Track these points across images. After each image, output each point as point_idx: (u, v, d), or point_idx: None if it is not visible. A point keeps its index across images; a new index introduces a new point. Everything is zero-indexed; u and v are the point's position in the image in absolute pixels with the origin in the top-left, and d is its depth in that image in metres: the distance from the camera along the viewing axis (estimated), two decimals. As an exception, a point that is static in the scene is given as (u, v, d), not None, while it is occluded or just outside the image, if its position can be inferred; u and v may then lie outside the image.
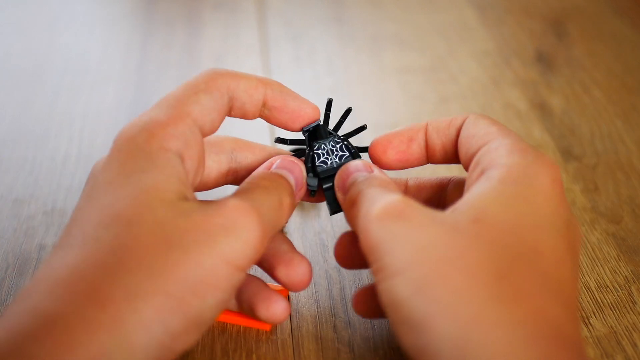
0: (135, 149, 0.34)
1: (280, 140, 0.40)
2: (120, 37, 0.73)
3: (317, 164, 0.39)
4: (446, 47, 0.69)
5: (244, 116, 0.39)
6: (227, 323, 0.40)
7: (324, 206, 0.49)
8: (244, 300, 0.39)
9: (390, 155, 0.39)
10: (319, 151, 0.39)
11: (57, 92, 0.63)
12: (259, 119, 0.39)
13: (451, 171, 0.51)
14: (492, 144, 0.35)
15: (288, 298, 0.42)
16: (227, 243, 0.32)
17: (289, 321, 0.41)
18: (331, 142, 0.40)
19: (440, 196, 0.40)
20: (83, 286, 0.30)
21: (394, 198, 0.33)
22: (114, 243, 0.31)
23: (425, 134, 0.39)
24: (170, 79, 0.65)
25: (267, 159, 0.40)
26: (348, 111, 0.40)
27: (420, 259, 0.30)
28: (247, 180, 0.37)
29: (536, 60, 0.66)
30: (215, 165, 0.39)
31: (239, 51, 0.68)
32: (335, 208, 0.39)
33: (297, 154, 0.40)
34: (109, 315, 0.30)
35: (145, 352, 0.30)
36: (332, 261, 0.45)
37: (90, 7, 0.79)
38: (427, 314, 0.29)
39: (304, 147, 0.40)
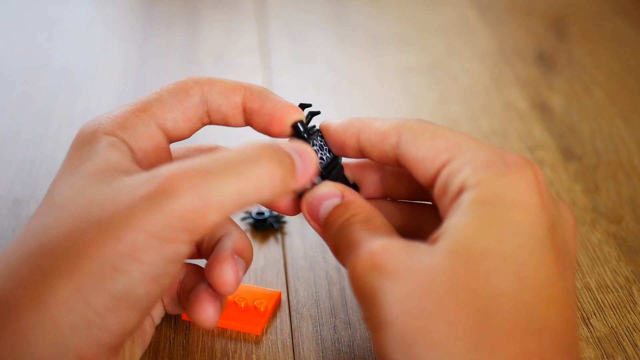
0: (81, 142, 0.34)
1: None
2: (120, 37, 0.73)
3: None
4: (447, 46, 0.69)
5: (226, 121, 0.37)
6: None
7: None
8: (182, 294, 0.38)
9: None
10: (314, 147, 0.38)
11: (57, 92, 0.63)
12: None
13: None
14: (452, 164, 0.32)
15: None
16: (149, 215, 0.30)
17: (288, 322, 0.41)
18: (318, 137, 0.37)
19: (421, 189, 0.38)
20: (6, 272, 0.30)
21: (370, 248, 0.31)
22: (39, 230, 0.31)
23: (359, 141, 0.36)
24: (170, 79, 0.64)
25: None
26: (313, 114, 0.38)
27: (402, 312, 0.29)
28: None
29: (537, 60, 0.66)
30: (186, 125, 0.37)
31: (239, 51, 0.68)
32: None
33: None
34: (27, 295, 0.29)
35: (72, 329, 0.29)
36: (332, 261, 0.45)
37: (90, 7, 0.79)
38: None
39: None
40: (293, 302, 0.42)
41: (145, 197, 0.30)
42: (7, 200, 0.51)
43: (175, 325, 0.40)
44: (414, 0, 0.77)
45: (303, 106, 0.37)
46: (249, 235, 0.47)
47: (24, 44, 0.71)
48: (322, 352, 0.39)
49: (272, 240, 0.47)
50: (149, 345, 0.39)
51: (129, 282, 0.30)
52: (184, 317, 0.40)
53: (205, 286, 0.36)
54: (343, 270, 0.44)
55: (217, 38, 0.71)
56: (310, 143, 0.37)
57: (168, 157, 0.37)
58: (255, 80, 0.64)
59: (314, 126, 0.38)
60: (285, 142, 0.34)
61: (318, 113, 0.38)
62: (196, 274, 0.38)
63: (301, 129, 0.36)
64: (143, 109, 0.35)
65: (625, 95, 0.61)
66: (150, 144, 0.35)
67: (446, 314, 0.29)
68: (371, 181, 0.39)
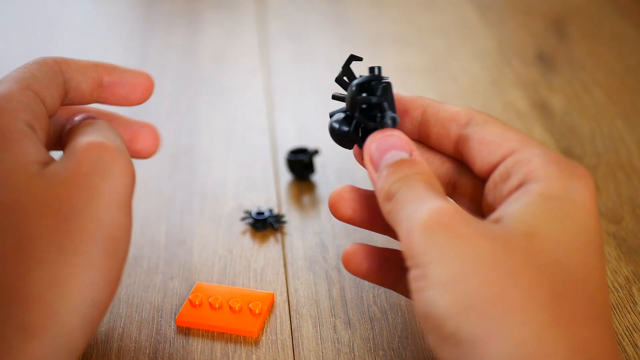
0: None
1: (337, 97, 0.38)
2: (120, 37, 0.73)
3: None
4: (446, 46, 0.69)
5: (82, 98, 0.38)
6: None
7: (323, 206, 0.49)
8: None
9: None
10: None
11: None
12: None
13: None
14: (521, 154, 0.33)
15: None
16: (108, 188, 0.32)
17: (288, 322, 0.41)
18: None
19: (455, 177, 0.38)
20: None
21: (440, 206, 0.30)
22: (8, 236, 0.30)
23: (423, 114, 0.36)
24: (170, 79, 0.65)
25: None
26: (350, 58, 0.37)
27: (471, 272, 0.29)
28: (65, 133, 0.37)
29: (537, 60, 0.66)
30: (56, 103, 0.37)
31: (238, 51, 0.68)
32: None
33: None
34: (39, 313, 0.29)
35: (82, 331, 0.30)
36: (332, 261, 0.45)
37: (90, 7, 0.79)
38: (480, 331, 0.28)
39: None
40: (293, 302, 0.42)
41: (89, 173, 0.32)
42: (7, 200, 0.50)
43: (175, 326, 0.40)
44: (414, 0, 0.77)
45: (352, 58, 0.37)
46: (248, 235, 0.47)
47: (24, 44, 0.71)
48: (322, 352, 0.39)
49: (272, 240, 0.47)
50: (149, 346, 0.39)
51: (119, 263, 0.32)
52: (180, 323, 0.40)
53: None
54: (343, 270, 0.44)
55: (217, 38, 0.71)
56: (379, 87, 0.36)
57: (49, 128, 0.37)
58: (255, 80, 0.64)
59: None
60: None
61: (360, 59, 0.37)
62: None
63: (376, 71, 0.36)
64: (27, 86, 0.35)
65: (625, 95, 0.61)
66: (44, 122, 0.35)
67: (525, 285, 0.29)
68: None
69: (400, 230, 0.31)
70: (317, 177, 0.52)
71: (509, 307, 0.28)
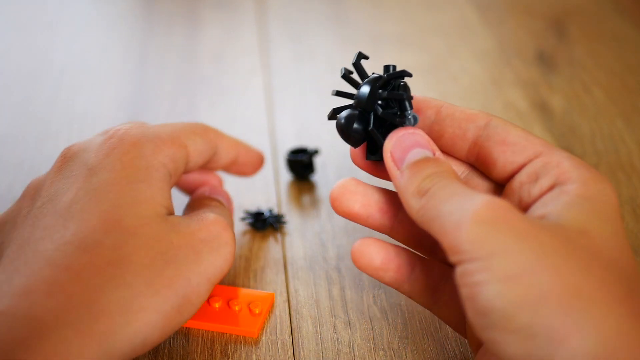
0: (139, 156, 0.36)
1: (339, 93, 0.37)
2: (120, 36, 0.73)
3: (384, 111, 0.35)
4: (446, 46, 0.69)
5: (215, 168, 0.44)
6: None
7: (323, 206, 0.49)
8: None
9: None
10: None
11: (57, 92, 0.63)
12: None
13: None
14: (549, 156, 0.33)
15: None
16: (211, 260, 0.35)
17: (288, 322, 0.41)
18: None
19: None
20: (80, 292, 0.31)
21: (491, 199, 0.30)
22: (114, 252, 0.32)
23: (437, 114, 0.36)
24: (169, 79, 0.65)
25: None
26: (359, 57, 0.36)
27: (541, 265, 0.28)
28: (195, 198, 0.42)
29: (537, 60, 0.66)
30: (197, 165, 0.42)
31: (238, 51, 0.68)
32: (376, 156, 0.36)
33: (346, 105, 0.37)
34: (102, 328, 0.30)
35: (121, 358, 0.31)
36: (332, 261, 0.45)
37: (90, 7, 0.78)
38: (558, 324, 0.27)
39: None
40: (293, 302, 0.42)
41: (207, 242, 0.36)
42: (7, 200, 0.50)
43: (175, 325, 0.40)
44: (414, 0, 0.77)
45: (361, 56, 0.36)
46: (248, 235, 0.47)
47: (23, 44, 0.71)
48: (322, 352, 0.39)
49: (271, 240, 0.47)
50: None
51: (181, 322, 0.34)
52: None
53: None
54: (343, 270, 0.44)
55: (217, 38, 0.71)
56: (393, 83, 0.35)
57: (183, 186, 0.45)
58: (256, 80, 0.64)
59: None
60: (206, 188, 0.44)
61: (367, 57, 0.36)
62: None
63: (391, 70, 0.35)
64: (184, 146, 0.39)
65: (626, 95, 0.61)
66: (176, 180, 0.39)
67: (599, 279, 0.28)
68: None
69: (443, 224, 0.30)
70: (317, 177, 0.52)
71: (588, 300, 0.28)
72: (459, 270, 0.30)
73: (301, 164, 0.51)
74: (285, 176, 0.52)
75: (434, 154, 0.34)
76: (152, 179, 0.36)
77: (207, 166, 0.43)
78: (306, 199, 0.50)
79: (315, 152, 0.51)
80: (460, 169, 0.37)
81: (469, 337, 0.36)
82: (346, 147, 0.38)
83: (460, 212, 0.30)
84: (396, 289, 0.37)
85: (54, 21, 0.75)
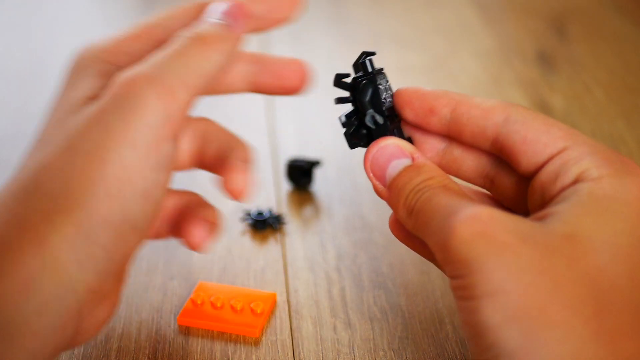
0: (75, 71, 0.38)
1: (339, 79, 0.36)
2: (120, 36, 0.73)
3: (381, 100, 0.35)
4: (447, 46, 0.69)
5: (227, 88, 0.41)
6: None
7: (323, 206, 0.49)
8: (175, 220, 0.37)
9: (406, 116, 0.35)
10: (380, 87, 0.35)
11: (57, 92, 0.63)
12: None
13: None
14: (570, 152, 0.32)
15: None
16: (124, 127, 0.30)
17: (288, 322, 0.41)
18: (384, 79, 0.35)
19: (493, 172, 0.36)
20: (5, 214, 0.30)
21: (472, 212, 0.29)
22: (33, 169, 0.32)
23: (453, 112, 0.34)
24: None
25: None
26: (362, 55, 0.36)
27: (514, 284, 0.28)
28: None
29: (537, 60, 0.66)
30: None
31: (239, 51, 0.68)
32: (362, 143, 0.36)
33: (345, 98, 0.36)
34: (29, 238, 0.29)
35: (79, 266, 0.30)
36: (332, 262, 0.45)
37: (90, 7, 0.78)
38: (521, 346, 0.27)
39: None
40: (293, 302, 0.42)
41: (110, 110, 0.31)
42: (7, 201, 0.50)
43: (175, 326, 0.40)
44: (414, 0, 0.77)
45: (365, 54, 0.36)
46: (248, 236, 0.47)
47: (23, 43, 0.71)
48: (322, 352, 0.39)
49: (271, 241, 0.47)
50: (149, 347, 0.39)
51: (125, 205, 0.30)
52: (181, 322, 0.40)
53: (196, 211, 0.37)
54: (343, 270, 0.44)
55: (217, 38, 0.70)
56: (376, 81, 0.35)
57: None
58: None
59: (382, 68, 0.36)
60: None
61: (373, 54, 0.36)
62: (188, 200, 0.38)
63: (368, 66, 0.35)
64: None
65: (626, 94, 0.61)
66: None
67: (567, 297, 0.28)
68: (432, 148, 0.36)
69: (433, 243, 0.31)
70: (317, 178, 0.52)
71: (549, 322, 0.28)
72: (450, 284, 0.30)
73: (300, 169, 0.50)
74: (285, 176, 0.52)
75: (413, 159, 0.34)
76: (81, 82, 0.37)
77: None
78: (306, 199, 0.50)
79: (317, 162, 0.51)
80: (487, 160, 0.35)
81: None
82: (346, 147, 0.38)
83: (444, 231, 0.30)
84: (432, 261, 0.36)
85: (54, 21, 0.75)
